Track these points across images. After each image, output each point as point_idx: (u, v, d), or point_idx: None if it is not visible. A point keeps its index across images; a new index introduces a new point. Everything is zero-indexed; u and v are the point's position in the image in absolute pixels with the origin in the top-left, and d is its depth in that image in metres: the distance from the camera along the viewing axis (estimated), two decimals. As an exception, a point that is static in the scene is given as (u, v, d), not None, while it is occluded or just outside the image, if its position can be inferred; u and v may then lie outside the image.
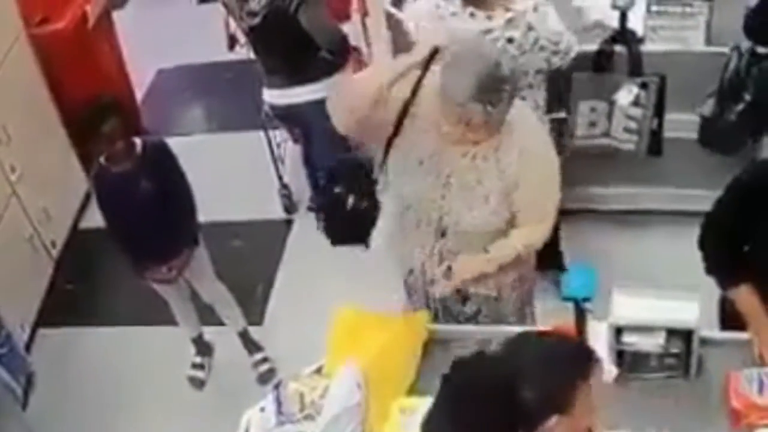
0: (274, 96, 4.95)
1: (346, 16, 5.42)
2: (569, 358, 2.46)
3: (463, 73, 3.12)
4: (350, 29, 5.45)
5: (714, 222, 3.23)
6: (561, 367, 2.43)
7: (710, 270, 3.21)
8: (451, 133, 3.25)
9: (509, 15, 3.98)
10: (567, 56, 4.24)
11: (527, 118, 3.41)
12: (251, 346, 4.85)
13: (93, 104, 4.15)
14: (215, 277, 4.61)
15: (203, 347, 4.88)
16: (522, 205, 3.37)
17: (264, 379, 4.74)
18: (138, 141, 4.20)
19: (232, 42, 5.14)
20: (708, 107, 4.49)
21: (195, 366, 4.88)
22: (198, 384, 4.85)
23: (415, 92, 3.30)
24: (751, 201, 3.12)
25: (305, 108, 4.81)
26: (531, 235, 3.43)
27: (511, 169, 3.30)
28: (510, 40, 3.97)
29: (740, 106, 4.34)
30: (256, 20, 4.64)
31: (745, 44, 4.38)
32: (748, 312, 3.21)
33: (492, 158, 3.30)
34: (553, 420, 2.38)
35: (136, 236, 4.26)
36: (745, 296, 3.22)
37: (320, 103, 4.77)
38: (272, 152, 5.43)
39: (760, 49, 4.34)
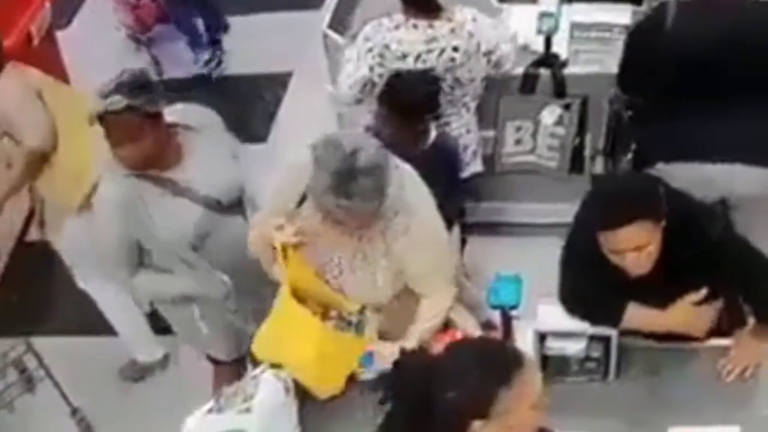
0: None
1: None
2: (491, 364, 2.45)
3: (321, 167, 2.98)
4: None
5: (569, 294, 3.30)
6: (481, 373, 2.43)
7: (596, 323, 3.28)
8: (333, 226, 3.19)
9: (451, 25, 4.17)
10: (501, 64, 4.40)
11: (414, 192, 3.27)
12: None
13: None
14: None
15: None
16: (418, 281, 3.36)
17: None
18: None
19: None
20: (598, 165, 4.65)
21: None
22: None
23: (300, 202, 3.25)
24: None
25: None
26: (438, 304, 3.40)
27: (398, 248, 3.25)
28: (455, 49, 4.18)
29: (629, 156, 4.35)
30: None
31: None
32: (646, 322, 3.24)
33: (379, 240, 3.25)
34: (477, 425, 2.42)
35: None
36: (633, 317, 3.23)
37: None
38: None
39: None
